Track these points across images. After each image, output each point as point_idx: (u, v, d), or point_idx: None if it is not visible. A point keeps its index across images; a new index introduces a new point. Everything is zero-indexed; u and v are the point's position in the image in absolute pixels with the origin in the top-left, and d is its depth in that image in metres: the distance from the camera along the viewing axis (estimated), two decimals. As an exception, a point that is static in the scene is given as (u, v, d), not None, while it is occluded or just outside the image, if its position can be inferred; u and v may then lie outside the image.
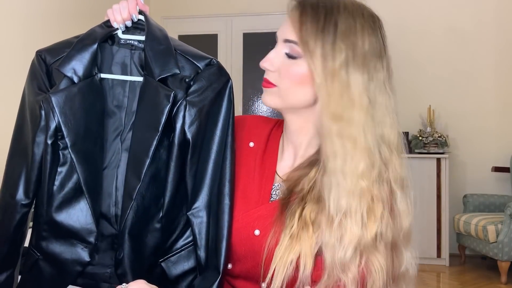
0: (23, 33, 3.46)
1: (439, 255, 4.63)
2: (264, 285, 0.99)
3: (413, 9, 5.20)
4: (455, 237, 4.77)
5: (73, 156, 0.98)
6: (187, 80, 1.02)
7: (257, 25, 5.49)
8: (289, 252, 0.95)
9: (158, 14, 5.67)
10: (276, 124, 1.17)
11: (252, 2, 5.58)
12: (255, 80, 5.52)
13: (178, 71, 1.01)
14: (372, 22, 1.01)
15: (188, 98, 1.00)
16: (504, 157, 4.94)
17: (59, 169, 1.00)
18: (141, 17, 1.07)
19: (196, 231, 1.01)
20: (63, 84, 0.99)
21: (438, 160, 4.68)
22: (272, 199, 1.06)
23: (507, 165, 4.88)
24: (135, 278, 0.99)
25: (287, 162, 1.10)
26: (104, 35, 1.04)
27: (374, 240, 0.94)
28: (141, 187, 0.98)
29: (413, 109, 4.98)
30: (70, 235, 1.01)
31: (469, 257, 4.85)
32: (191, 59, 1.05)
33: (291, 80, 1.01)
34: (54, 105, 0.97)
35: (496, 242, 4.17)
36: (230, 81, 1.05)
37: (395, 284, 0.98)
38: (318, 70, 0.97)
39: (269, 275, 0.96)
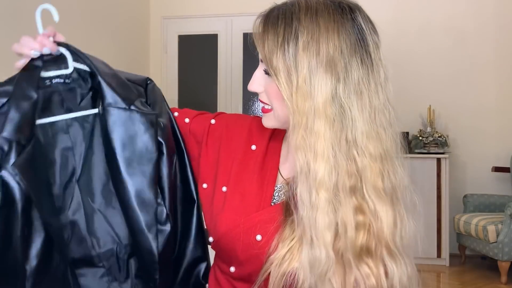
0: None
1: (439, 255, 4.63)
2: None
3: (413, 9, 5.20)
4: (455, 237, 4.77)
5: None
6: (145, 101, 1.03)
7: (257, 25, 5.48)
8: (287, 264, 0.93)
9: (158, 14, 5.67)
10: None
11: (252, 2, 5.57)
12: (255, 80, 5.52)
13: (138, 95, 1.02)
14: (340, 15, 0.93)
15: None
16: (504, 157, 4.94)
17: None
18: (63, 50, 0.99)
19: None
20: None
21: (438, 160, 4.68)
22: (274, 200, 1.04)
23: (507, 165, 4.88)
24: None
25: (292, 163, 1.05)
26: (35, 82, 0.93)
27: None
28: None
29: (413, 109, 4.98)
30: None
31: (469, 257, 4.85)
32: (136, 82, 1.05)
33: (274, 97, 0.98)
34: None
35: (496, 242, 4.17)
36: (152, 82, 1.09)
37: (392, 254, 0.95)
38: (284, 87, 0.93)
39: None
